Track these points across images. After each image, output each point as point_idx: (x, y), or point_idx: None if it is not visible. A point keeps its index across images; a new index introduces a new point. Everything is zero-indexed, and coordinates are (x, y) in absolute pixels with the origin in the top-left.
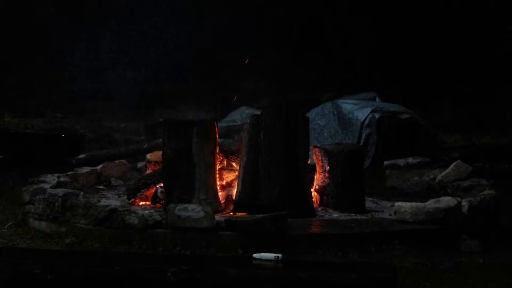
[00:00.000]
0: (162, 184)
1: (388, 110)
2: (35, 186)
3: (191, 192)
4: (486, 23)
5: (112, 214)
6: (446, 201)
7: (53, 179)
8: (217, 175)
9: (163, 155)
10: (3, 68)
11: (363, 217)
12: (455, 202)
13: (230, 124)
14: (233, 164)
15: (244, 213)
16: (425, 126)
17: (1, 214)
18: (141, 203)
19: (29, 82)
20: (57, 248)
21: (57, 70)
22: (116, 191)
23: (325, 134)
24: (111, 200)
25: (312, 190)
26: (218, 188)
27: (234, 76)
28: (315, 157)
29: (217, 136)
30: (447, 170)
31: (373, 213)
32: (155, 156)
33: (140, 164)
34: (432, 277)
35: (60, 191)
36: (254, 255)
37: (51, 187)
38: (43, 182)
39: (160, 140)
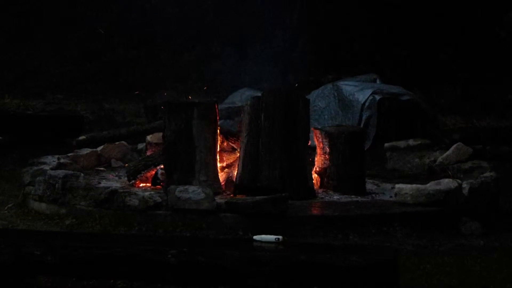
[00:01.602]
0: (162, 166)
1: (388, 92)
2: (35, 168)
3: (191, 173)
4: (488, 5)
5: (112, 195)
6: (447, 183)
7: (53, 161)
8: (218, 157)
9: (163, 136)
10: (2, 49)
11: (363, 199)
12: (456, 184)
13: (231, 105)
14: (234, 145)
15: (245, 195)
16: (425, 108)
17: (1, 196)
18: (141, 185)
19: (29, 64)
20: (57, 230)
21: (57, 51)
22: (116, 173)
23: (326, 116)
24: (112, 182)
25: (312, 172)
26: (219, 169)
27: (234, 57)
28: (316, 139)
29: (218, 117)
30: (447, 152)
31: (373, 195)
32: (155, 137)
33: (141, 146)
34: (433, 260)
35: (60, 173)
36: (255, 237)
37: (51, 169)
38: (43, 163)
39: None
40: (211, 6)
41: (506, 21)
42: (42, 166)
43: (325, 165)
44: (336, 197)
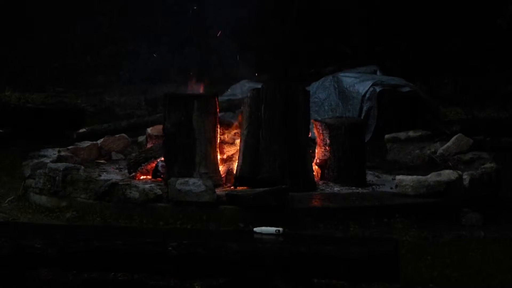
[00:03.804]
0: (163, 158)
1: (388, 84)
2: (36, 161)
3: (191, 166)
4: None
5: (113, 188)
6: (447, 174)
7: (54, 154)
8: (218, 149)
9: (163, 129)
10: (3, 42)
11: (364, 190)
12: (456, 175)
13: (231, 98)
14: (234, 138)
15: (245, 187)
16: (426, 99)
17: (2, 189)
18: (142, 177)
19: (30, 56)
20: (58, 223)
21: (57, 44)
22: (116, 165)
23: (326, 108)
24: (112, 174)
25: (313, 163)
26: (219, 162)
27: (234, 49)
28: (316, 131)
29: (218, 110)
30: (448, 143)
31: (374, 186)
32: (156, 130)
33: (141, 138)
34: (433, 250)
35: (60, 166)
36: (255, 229)
37: (52, 162)
38: (44, 156)
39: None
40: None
41: (508, 12)
42: (42, 159)
43: (325, 157)
44: (336, 188)
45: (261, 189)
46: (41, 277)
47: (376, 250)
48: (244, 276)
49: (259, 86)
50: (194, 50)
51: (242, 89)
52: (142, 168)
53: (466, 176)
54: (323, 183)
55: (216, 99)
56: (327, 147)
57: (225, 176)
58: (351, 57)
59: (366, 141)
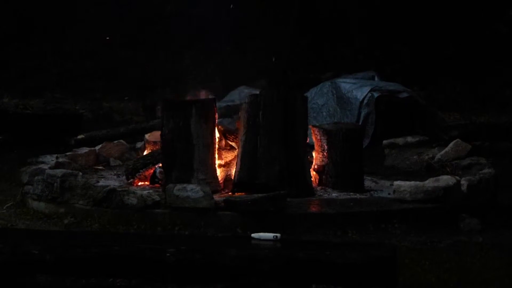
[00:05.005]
0: (160, 164)
1: (387, 89)
2: (34, 167)
3: (189, 172)
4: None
5: (111, 194)
6: (445, 180)
7: (52, 160)
8: (216, 155)
9: (161, 135)
10: (1, 48)
11: (362, 196)
12: (454, 181)
13: (229, 103)
14: (232, 143)
15: (243, 193)
16: (424, 104)
17: (0, 195)
18: (140, 183)
19: (28, 62)
20: (56, 229)
21: (56, 50)
22: (115, 172)
23: (324, 114)
24: (110, 181)
25: (311, 169)
26: (217, 168)
27: (232, 55)
28: (314, 137)
29: (216, 115)
30: (446, 149)
31: (372, 192)
32: (153, 136)
33: (139, 144)
34: (432, 256)
35: (58, 172)
36: (253, 234)
37: (50, 168)
38: (42, 162)
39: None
40: (210, 3)
41: (507, 17)
42: (40, 165)
43: (323, 163)
44: (334, 194)
45: (259, 194)
46: (39, 284)
47: (374, 256)
48: (242, 281)
49: (257, 92)
50: (193, 55)
51: (240, 95)
52: (140, 174)
53: (464, 182)
54: (321, 188)
55: (214, 104)
56: (325, 153)
57: (223, 181)
58: (350, 61)
59: (364, 146)
